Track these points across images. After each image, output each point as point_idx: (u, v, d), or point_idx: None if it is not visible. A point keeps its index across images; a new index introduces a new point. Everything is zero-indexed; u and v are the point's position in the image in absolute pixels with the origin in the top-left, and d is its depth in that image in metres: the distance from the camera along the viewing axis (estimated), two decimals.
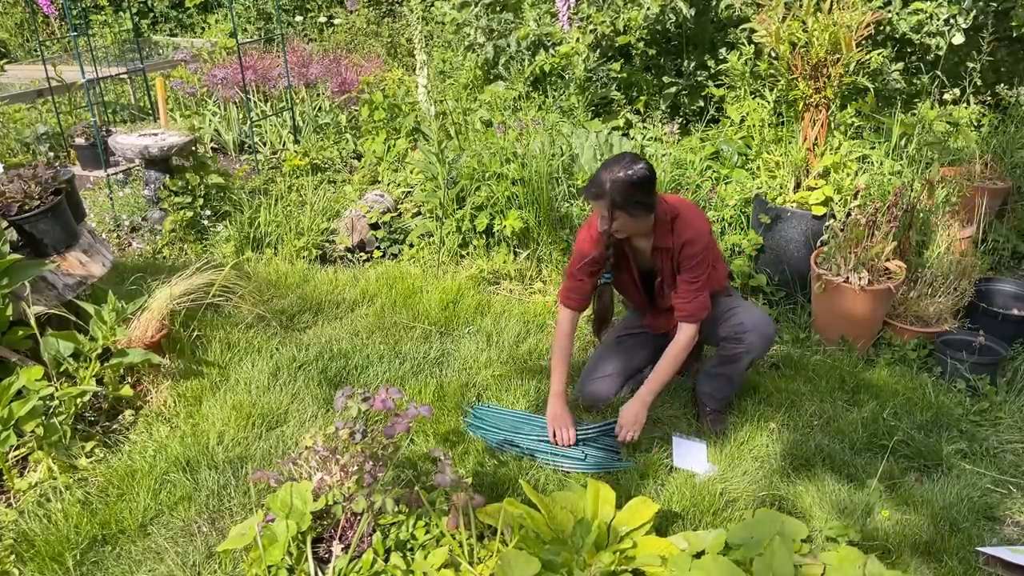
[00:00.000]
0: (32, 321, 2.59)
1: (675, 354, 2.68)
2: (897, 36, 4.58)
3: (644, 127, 4.73)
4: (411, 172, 4.76)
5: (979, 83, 4.53)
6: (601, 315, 2.87)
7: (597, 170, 2.55)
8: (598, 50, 5.00)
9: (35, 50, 8.51)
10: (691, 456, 2.61)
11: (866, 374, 3.14)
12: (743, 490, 2.48)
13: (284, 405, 2.85)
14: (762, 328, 2.69)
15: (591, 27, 4.86)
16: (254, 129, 5.68)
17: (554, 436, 2.63)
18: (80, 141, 5.11)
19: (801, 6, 3.45)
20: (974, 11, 4.38)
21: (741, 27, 4.65)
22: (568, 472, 2.54)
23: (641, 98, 5.14)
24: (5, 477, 2.46)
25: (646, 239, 2.67)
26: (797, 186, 3.70)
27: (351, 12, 8.24)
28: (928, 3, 4.42)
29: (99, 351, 2.74)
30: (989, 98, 4.75)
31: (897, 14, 4.48)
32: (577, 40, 4.83)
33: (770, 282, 3.67)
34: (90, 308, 2.80)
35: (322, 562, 1.98)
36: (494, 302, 3.73)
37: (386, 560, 1.96)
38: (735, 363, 2.74)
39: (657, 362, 2.71)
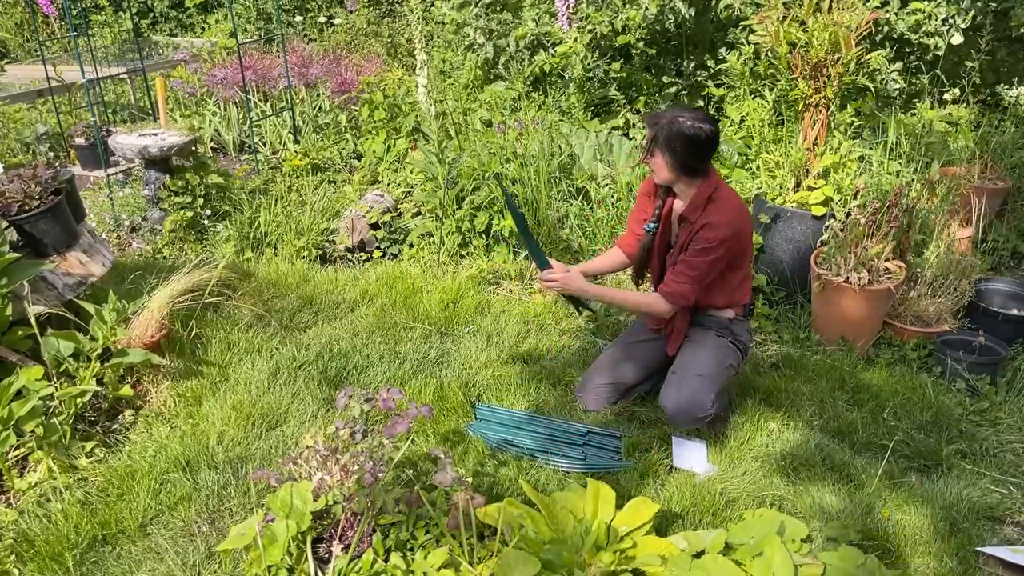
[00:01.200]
0: (33, 321, 2.59)
1: (641, 300, 2.71)
2: (895, 36, 4.58)
3: (644, 127, 4.73)
4: (411, 172, 4.76)
5: (978, 83, 4.54)
6: (639, 265, 2.87)
7: (666, 112, 2.56)
8: (597, 50, 5.00)
9: (35, 50, 8.51)
10: (691, 456, 2.61)
11: (866, 374, 3.14)
12: (743, 490, 2.48)
13: (284, 405, 2.85)
14: (679, 416, 2.61)
15: (590, 27, 4.86)
16: (254, 129, 5.68)
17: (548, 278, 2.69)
18: (80, 141, 5.11)
19: (801, 6, 3.45)
20: (973, 11, 4.38)
21: (741, 26, 4.65)
22: (568, 472, 2.55)
23: (641, 98, 5.14)
24: (5, 477, 2.46)
25: (682, 204, 2.65)
26: (797, 186, 3.70)
27: (351, 12, 8.24)
28: (926, 3, 4.42)
29: (99, 351, 2.74)
30: (989, 98, 4.75)
31: (895, 14, 4.49)
32: (575, 40, 4.83)
33: (770, 282, 3.67)
34: (90, 308, 2.80)
35: (322, 562, 1.98)
36: (494, 302, 3.73)
37: (386, 560, 1.96)
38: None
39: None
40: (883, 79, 4.53)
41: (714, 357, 2.69)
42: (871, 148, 4.01)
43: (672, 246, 2.73)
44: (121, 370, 2.84)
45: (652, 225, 2.75)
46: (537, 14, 5.30)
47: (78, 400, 2.64)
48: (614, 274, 3.56)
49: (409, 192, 4.66)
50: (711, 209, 2.55)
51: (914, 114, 4.44)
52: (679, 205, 2.68)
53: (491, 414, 2.83)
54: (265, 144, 5.71)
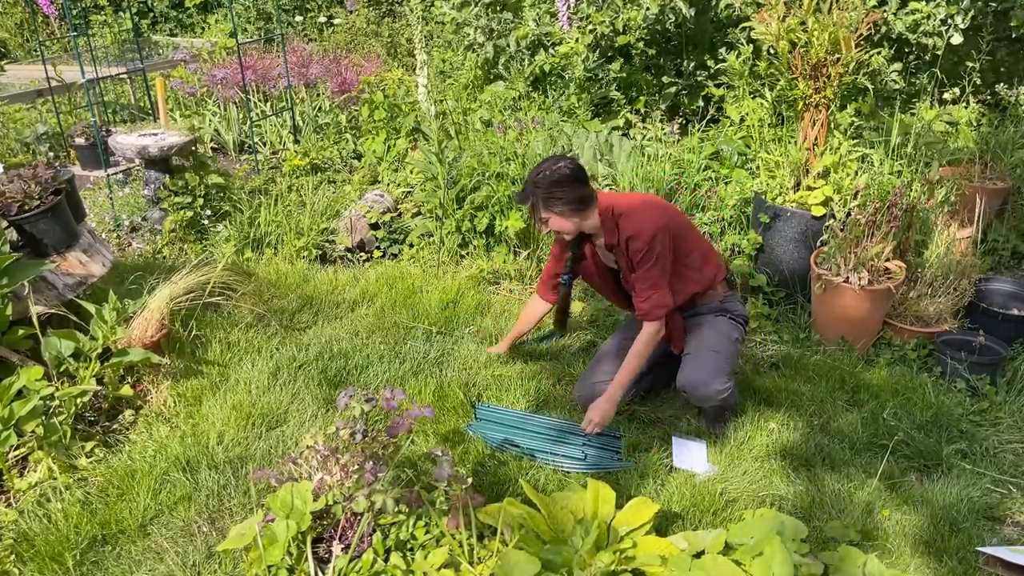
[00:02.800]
0: (35, 320, 2.59)
1: (637, 351, 2.67)
2: (895, 36, 4.58)
3: (644, 127, 4.73)
4: (411, 172, 4.76)
5: (978, 83, 4.54)
6: (561, 309, 3.05)
7: (526, 177, 2.66)
8: (597, 50, 5.00)
9: (35, 50, 8.51)
10: (691, 456, 2.61)
11: (866, 374, 3.14)
12: (743, 490, 2.48)
13: (284, 405, 2.85)
14: (699, 390, 2.64)
15: (590, 27, 4.86)
16: (254, 129, 5.68)
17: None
18: (80, 141, 5.11)
19: (801, 6, 3.45)
20: (972, 11, 4.38)
21: (741, 26, 4.65)
22: (568, 472, 2.55)
23: (641, 98, 5.15)
24: (5, 477, 2.46)
25: (600, 239, 2.72)
26: (797, 186, 3.70)
27: (351, 12, 8.24)
28: (925, 3, 4.42)
29: (99, 350, 2.74)
30: (988, 98, 4.75)
31: (894, 14, 4.49)
32: (576, 40, 4.83)
33: (770, 282, 3.67)
34: (91, 307, 2.80)
35: (322, 562, 1.98)
36: (494, 302, 3.73)
37: (386, 560, 1.96)
38: (703, 408, 2.77)
39: (630, 358, 2.70)
40: (883, 79, 4.53)
41: (721, 332, 2.75)
42: (872, 148, 4.01)
43: (619, 273, 2.80)
44: (121, 370, 2.84)
45: (566, 277, 2.92)
46: (537, 14, 5.30)
47: (78, 400, 2.64)
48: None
49: (409, 192, 4.66)
50: (623, 223, 2.62)
51: (914, 114, 4.44)
52: (600, 240, 2.75)
53: (491, 414, 2.83)
54: (265, 144, 5.71)
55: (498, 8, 5.57)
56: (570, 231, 2.67)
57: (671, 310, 2.69)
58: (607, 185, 4.17)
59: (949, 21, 4.41)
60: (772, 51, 3.71)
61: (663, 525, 2.31)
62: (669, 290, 2.64)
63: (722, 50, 4.88)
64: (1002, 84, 4.72)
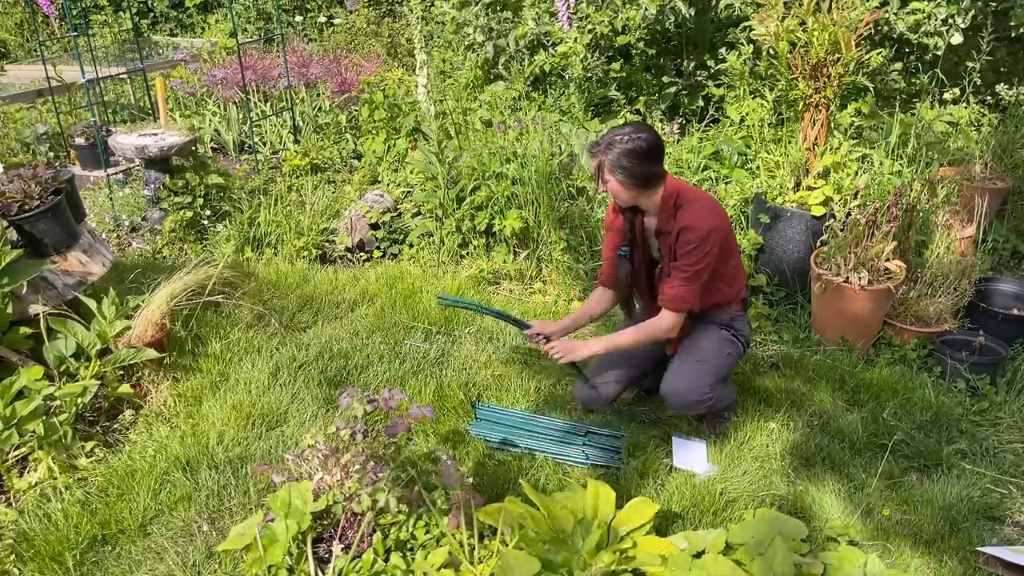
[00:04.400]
0: (40, 321, 2.59)
1: (644, 328, 2.60)
2: (895, 36, 4.58)
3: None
4: (411, 172, 4.76)
5: (979, 83, 4.53)
6: (624, 295, 2.86)
7: (605, 134, 2.55)
8: (597, 50, 4.99)
9: (35, 50, 8.51)
10: (691, 456, 2.61)
11: (866, 374, 3.14)
12: (743, 490, 2.48)
13: (284, 405, 2.85)
14: (677, 399, 2.61)
15: (590, 27, 4.86)
16: (254, 129, 5.68)
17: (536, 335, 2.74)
18: (80, 141, 5.11)
19: (801, 5, 3.45)
20: (972, 11, 4.38)
21: (741, 26, 4.65)
22: (571, 468, 2.54)
23: (641, 98, 5.14)
24: (5, 477, 2.46)
25: (653, 220, 2.64)
26: (797, 186, 3.70)
27: (351, 12, 8.24)
28: (926, 3, 4.42)
29: (99, 346, 2.74)
30: (989, 98, 4.75)
31: (895, 14, 4.48)
32: (575, 40, 4.83)
33: (770, 282, 3.67)
34: (90, 302, 2.80)
35: (322, 562, 1.98)
36: (494, 302, 3.73)
37: (386, 560, 1.96)
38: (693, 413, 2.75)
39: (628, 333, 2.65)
40: (883, 79, 4.53)
41: (715, 345, 2.69)
42: (872, 148, 4.01)
43: (657, 263, 2.73)
44: (121, 368, 2.84)
45: (626, 248, 2.75)
46: (537, 14, 5.29)
47: (79, 400, 2.64)
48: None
49: (409, 192, 4.66)
50: (683, 212, 2.54)
51: (914, 114, 4.44)
52: (650, 222, 2.67)
53: (491, 414, 2.83)
54: (265, 144, 5.71)
55: (498, 8, 5.57)
56: (625, 200, 2.59)
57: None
58: None
59: (950, 21, 4.41)
60: (772, 51, 3.71)
61: (663, 525, 2.31)
62: (700, 292, 2.58)
63: (722, 50, 4.88)
64: (1002, 84, 4.72)
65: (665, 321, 2.59)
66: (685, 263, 2.53)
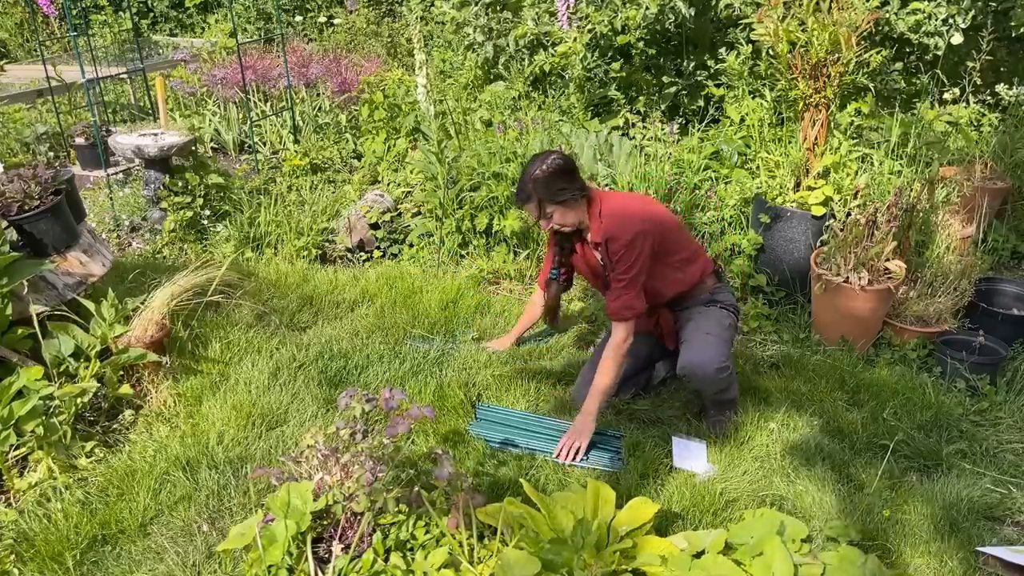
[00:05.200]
0: (35, 321, 2.59)
1: (609, 356, 2.66)
2: (895, 36, 4.58)
3: (644, 127, 4.73)
4: (411, 172, 4.76)
5: (979, 83, 4.54)
6: (551, 304, 3.05)
7: (520, 178, 2.66)
8: (597, 50, 4.99)
9: (35, 50, 8.51)
10: (691, 456, 2.61)
11: (866, 374, 3.14)
12: (743, 490, 2.48)
13: (284, 405, 2.85)
14: (699, 370, 2.63)
15: (589, 27, 4.86)
16: (254, 129, 5.68)
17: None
18: (80, 141, 5.11)
19: (801, 5, 3.45)
20: (973, 11, 4.38)
21: (741, 27, 4.65)
22: (571, 468, 2.54)
23: (641, 98, 5.14)
24: (5, 477, 2.46)
25: (589, 233, 2.74)
26: (797, 186, 3.70)
27: (351, 12, 8.24)
28: (926, 3, 4.42)
29: (99, 347, 2.73)
30: (989, 98, 4.75)
31: (895, 14, 4.48)
32: (575, 40, 4.82)
33: (770, 282, 3.67)
34: (90, 304, 2.80)
35: (322, 562, 1.98)
36: (494, 302, 3.73)
37: (386, 560, 1.96)
38: (703, 394, 2.78)
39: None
40: (883, 79, 4.53)
41: (711, 320, 2.77)
42: (872, 148, 4.01)
43: (606, 270, 2.80)
44: (121, 368, 2.84)
45: (554, 272, 2.96)
46: (537, 13, 5.29)
47: (78, 400, 2.64)
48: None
49: (409, 192, 4.66)
50: (604, 224, 2.64)
51: (914, 114, 4.44)
52: (588, 235, 2.76)
53: (491, 414, 2.83)
54: (265, 144, 5.71)
55: (498, 8, 5.57)
56: (573, 223, 2.69)
57: (663, 310, 2.70)
58: (606, 185, 4.17)
59: (950, 21, 4.41)
60: (772, 51, 3.71)
61: (663, 525, 2.30)
62: (642, 294, 2.66)
63: (722, 50, 4.88)
64: (1002, 84, 4.72)
65: (619, 334, 2.67)
66: (619, 272, 2.64)
